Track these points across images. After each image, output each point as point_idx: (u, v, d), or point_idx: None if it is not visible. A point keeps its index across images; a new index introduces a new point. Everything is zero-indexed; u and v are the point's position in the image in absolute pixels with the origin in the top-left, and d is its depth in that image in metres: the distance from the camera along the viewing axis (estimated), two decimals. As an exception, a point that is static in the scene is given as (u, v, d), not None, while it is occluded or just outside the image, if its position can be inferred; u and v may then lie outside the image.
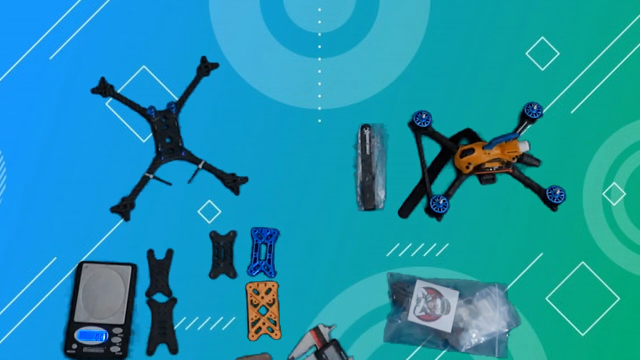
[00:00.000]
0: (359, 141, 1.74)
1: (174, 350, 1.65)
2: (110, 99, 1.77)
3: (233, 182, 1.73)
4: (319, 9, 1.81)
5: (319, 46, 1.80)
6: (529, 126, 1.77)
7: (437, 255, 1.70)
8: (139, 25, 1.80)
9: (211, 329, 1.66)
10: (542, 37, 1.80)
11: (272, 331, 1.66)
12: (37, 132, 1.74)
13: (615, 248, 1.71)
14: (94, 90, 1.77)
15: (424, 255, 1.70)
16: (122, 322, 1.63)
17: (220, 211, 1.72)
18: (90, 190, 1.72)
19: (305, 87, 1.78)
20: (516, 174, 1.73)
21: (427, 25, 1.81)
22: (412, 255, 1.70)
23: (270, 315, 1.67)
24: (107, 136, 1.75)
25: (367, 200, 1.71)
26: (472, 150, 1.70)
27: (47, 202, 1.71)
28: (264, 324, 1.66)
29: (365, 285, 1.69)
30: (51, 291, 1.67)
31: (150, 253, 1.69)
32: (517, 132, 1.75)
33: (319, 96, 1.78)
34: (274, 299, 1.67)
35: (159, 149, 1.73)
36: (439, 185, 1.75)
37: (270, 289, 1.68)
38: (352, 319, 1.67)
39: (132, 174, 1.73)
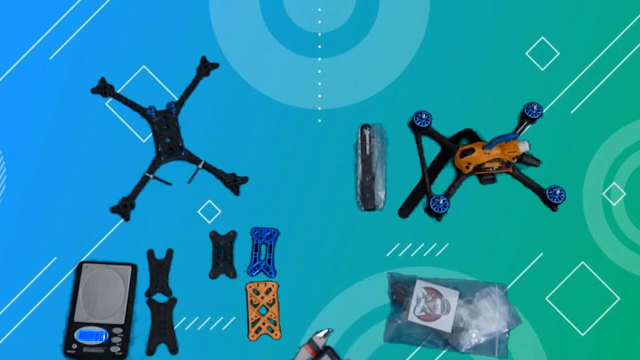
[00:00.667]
0: (359, 141, 1.74)
1: (174, 350, 1.65)
2: (110, 99, 1.77)
3: (233, 182, 1.72)
4: (319, 9, 1.81)
5: (319, 46, 1.80)
6: (529, 126, 1.77)
7: (437, 255, 1.70)
8: (139, 25, 1.80)
9: (211, 329, 1.66)
10: (542, 37, 1.80)
11: (272, 331, 1.66)
12: (37, 132, 1.74)
13: (615, 248, 1.71)
14: (94, 90, 1.77)
15: (424, 255, 1.70)
16: (122, 322, 1.63)
17: (220, 211, 1.72)
18: (90, 190, 1.72)
19: (305, 87, 1.78)
20: (516, 174, 1.73)
21: (427, 25, 1.81)
22: (412, 255, 1.70)
23: (270, 315, 1.67)
24: (107, 136, 1.75)
25: (367, 200, 1.71)
26: (472, 150, 1.70)
27: (47, 202, 1.71)
28: (264, 324, 1.66)
29: (365, 285, 1.69)
30: (51, 291, 1.67)
31: (150, 253, 1.69)
32: (517, 132, 1.75)
33: (319, 96, 1.78)
34: (274, 299, 1.67)
35: (159, 149, 1.73)
36: (439, 185, 1.75)
37: (270, 289, 1.68)
38: (352, 319, 1.67)
39: (132, 174, 1.73)
